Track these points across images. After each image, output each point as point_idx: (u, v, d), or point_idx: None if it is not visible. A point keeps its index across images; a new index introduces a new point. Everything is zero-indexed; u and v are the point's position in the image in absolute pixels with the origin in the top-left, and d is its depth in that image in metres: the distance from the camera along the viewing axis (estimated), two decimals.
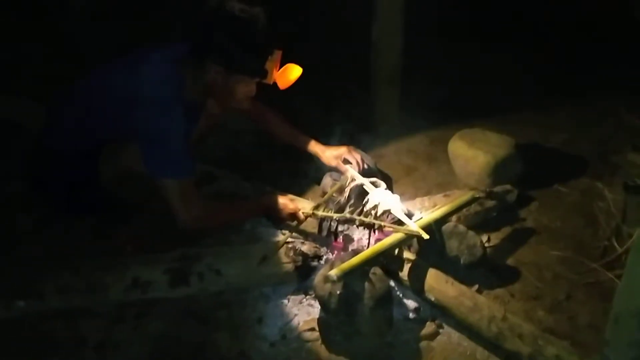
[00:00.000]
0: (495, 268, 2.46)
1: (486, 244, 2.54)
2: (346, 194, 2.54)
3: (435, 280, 2.21)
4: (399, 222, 2.29)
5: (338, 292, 1.99)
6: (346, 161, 2.72)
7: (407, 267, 2.28)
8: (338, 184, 2.61)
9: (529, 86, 3.92)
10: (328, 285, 2.01)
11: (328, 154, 2.75)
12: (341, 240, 2.48)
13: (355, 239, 2.50)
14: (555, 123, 3.55)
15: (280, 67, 2.20)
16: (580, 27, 4.41)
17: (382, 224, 2.28)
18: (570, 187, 3.01)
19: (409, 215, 2.32)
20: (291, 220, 2.51)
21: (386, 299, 2.08)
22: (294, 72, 2.23)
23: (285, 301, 2.28)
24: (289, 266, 2.28)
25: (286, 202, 2.50)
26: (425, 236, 2.19)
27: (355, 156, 2.73)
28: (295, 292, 2.32)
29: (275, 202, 2.48)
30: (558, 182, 3.04)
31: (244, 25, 2.02)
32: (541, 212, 2.83)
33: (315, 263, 2.33)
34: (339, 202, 2.50)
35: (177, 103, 2.12)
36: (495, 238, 2.66)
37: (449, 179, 3.08)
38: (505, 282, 2.42)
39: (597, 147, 3.31)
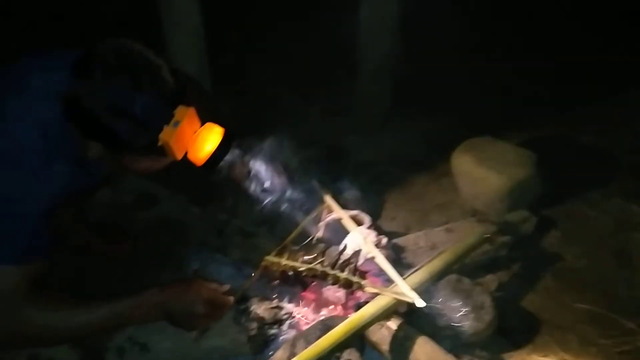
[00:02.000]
0: (506, 331, 1.92)
1: (494, 294, 1.99)
2: (320, 231, 1.98)
3: (429, 358, 1.67)
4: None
5: None
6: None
7: (385, 334, 1.73)
8: (308, 217, 2.04)
9: (547, 87, 3.29)
10: None
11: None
12: (312, 291, 1.93)
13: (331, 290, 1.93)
14: (579, 128, 2.94)
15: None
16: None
17: (362, 283, 1.72)
18: (600, 209, 2.46)
19: (399, 274, 1.76)
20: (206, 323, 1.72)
21: None
22: (210, 138, 1.40)
23: None
24: (240, 336, 1.74)
25: (198, 293, 1.62)
26: (421, 304, 1.65)
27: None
28: None
29: (179, 298, 1.57)
30: (584, 203, 2.49)
31: (122, 84, 1.29)
32: (564, 245, 2.29)
33: (274, 330, 1.78)
34: (309, 242, 1.95)
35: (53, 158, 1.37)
36: (507, 281, 2.11)
37: (451, 197, 2.52)
38: (520, 349, 1.89)
39: (631, 157, 2.72)
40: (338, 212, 1.98)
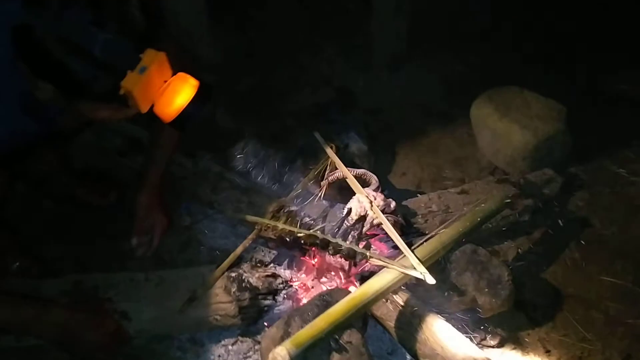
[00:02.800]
0: (524, 305, 1.75)
1: (512, 264, 1.81)
2: (322, 191, 1.78)
3: (438, 339, 1.50)
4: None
5: None
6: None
7: (390, 309, 1.56)
8: (312, 172, 1.84)
9: (581, 27, 2.85)
10: None
11: (145, 200, 1.74)
12: (312, 256, 1.75)
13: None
14: (612, 77, 2.62)
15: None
16: None
17: (367, 254, 1.53)
18: (633, 169, 2.21)
19: (409, 243, 1.57)
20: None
21: None
22: (183, 91, 1.16)
23: (223, 353, 1.60)
24: (230, 307, 1.57)
25: (102, 325, 1.48)
26: (432, 281, 1.46)
27: (155, 238, 1.79)
28: (241, 337, 1.63)
29: (83, 326, 1.44)
30: (616, 162, 2.24)
31: (80, 16, 1.08)
32: (591, 210, 2.08)
33: (268, 301, 1.61)
34: (310, 202, 1.75)
35: None
36: (526, 249, 1.92)
37: (469, 151, 2.29)
38: (538, 327, 1.72)
39: None
40: (342, 171, 1.76)
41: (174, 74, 1.17)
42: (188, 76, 1.17)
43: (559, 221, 2.00)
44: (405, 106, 2.49)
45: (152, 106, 1.16)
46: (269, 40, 2.71)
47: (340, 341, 1.40)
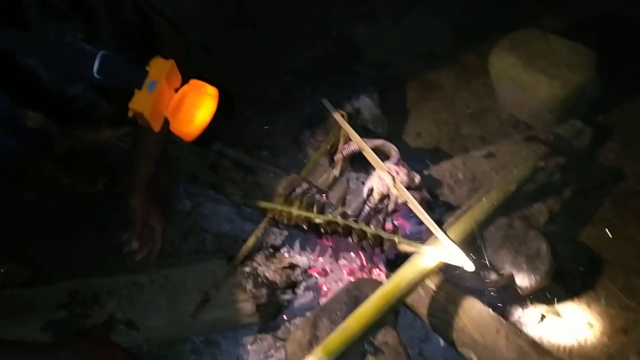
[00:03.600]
0: (560, 274, 1.61)
1: (544, 229, 1.66)
2: (337, 167, 1.60)
3: (478, 325, 1.37)
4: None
5: None
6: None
7: (422, 295, 1.42)
8: (323, 145, 1.65)
9: None
10: None
11: (140, 200, 1.55)
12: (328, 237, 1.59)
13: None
14: None
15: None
16: None
17: (397, 240, 1.37)
18: None
19: (438, 221, 1.41)
20: None
21: None
22: (203, 107, 0.93)
23: (242, 353, 1.46)
24: (247, 306, 1.42)
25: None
26: (471, 267, 1.31)
27: (157, 238, 1.59)
28: (259, 334, 1.50)
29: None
30: None
31: (70, 32, 0.84)
32: (625, 162, 1.93)
33: (287, 296, 1.46)
34: (327, 179, 1.58)
35: None
36: (558, 211, 1.76)
37: (486, 103, 2.10)
38: (578, 298, 1.59)
39: None
40: (358, 143, 1.57)
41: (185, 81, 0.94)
42: (205, 85, 0.92)
43: (591, 177, 1.85)
44: (413, 57, 2.27)
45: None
46: None
47: (375, 342, 1.26)
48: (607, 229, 1.74)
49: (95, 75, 0.81)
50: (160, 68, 0.86)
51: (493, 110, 2.07)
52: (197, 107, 0.90)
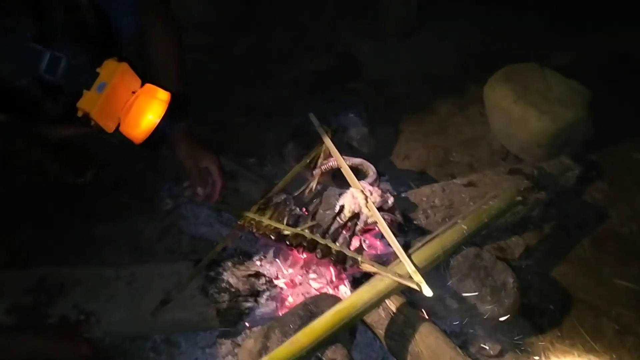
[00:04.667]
0: (529, 310, 1.61)
1: (519, 263, 1.66)
2: (313, 183, 1.62)
3: (433, 352, 1.37)
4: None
5: None
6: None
7: (382, 316, 1.42)
8: (304, 159, 1.67)
9: None
10: None
11: (185, 150, 1.52)
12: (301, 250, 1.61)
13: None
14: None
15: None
16: None
17: (359, 259, 1.39)
18: None
19: (407, 244, 1.42)
20: None
21: None
22: (149, 111, 0.99)
23: (200, 356, 1.49)
24: (207, 310, 1.44)
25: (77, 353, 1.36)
26: (429, 293, 1.32)
27: (215, 178, 1.58)
28: (219, 339, 1.52)
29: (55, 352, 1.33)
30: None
31: (21, 31, 0.90)
32: (610, 203, 1.91)
33: (249, 304, 1.48)
34: (301, 193, 1.60)
35: None
36: (535, 246, 1.77)
37: (480, 132, 2.11)
38: (543, 335, 1.58)
39: None
40: (337, 160, 1.60)
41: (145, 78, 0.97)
42: (156, 89, 0.97)
43: (573, 215, 1.84)
44: (413, 78, 2.29)
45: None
46: None
47: (324, 358, 1.27)
48: (582, 268, 1.73)
49: (43, 74, 0.85)
50: (111, 69, 0.90)
51: (485, 139, 2.08)
52: (144, 111, 0.94)
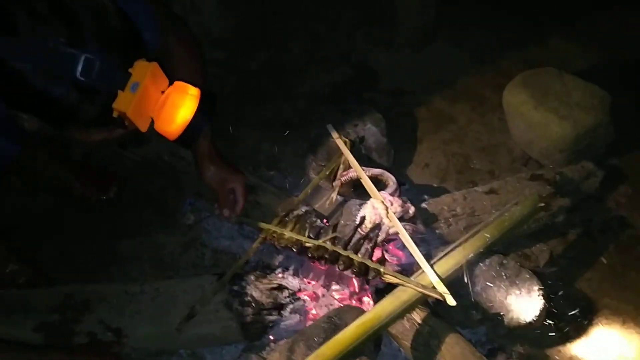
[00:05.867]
0: (555, 317, 1.59)
1: (544, 270, 1.64)
2: (334, 194, 1.62)
3: None
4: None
5: None
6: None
7: (407, 327, 1.41)
8: (324, 170, 1.68)
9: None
10: None
11: (211, 174, 1.53)
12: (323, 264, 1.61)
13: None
14: None
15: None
16: None
17: (382, 271, 1.38)
18: None
19: (428, 254, 1.41)
20: None
21: None
22: (183, 107, 1.00)
23: None
24: (231, 324, 1.45)
25: None
26: (452, 302, 1.31)
27: (238, 198, 1.56)
28: (244, 352, 1.52)
29: None
30: None
31: (54, 37, 0.90)
32: (634, 209, 1.87)
33: (273, 317, 1.49)
34: (322, 204, 1.61)
35: None
36: (560, 253, 1.75)
37: (500, 139, 2.09)
38: (570, 344, 1.56)
39: None
40: (357, 171, 1.60)
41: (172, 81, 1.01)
42: (186, 85, 1.01)
43: (597, 221, 1.82)
44: (430, 87, 2.28)
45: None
46: (283, 10, 2.50)
47: None
48: (607, 275, 1.71)
49: (79, 77, 0.88)
50: (142, 70, 0.93)
51: (505, 145, 2.06)
52: (178, 107, 0.97)
